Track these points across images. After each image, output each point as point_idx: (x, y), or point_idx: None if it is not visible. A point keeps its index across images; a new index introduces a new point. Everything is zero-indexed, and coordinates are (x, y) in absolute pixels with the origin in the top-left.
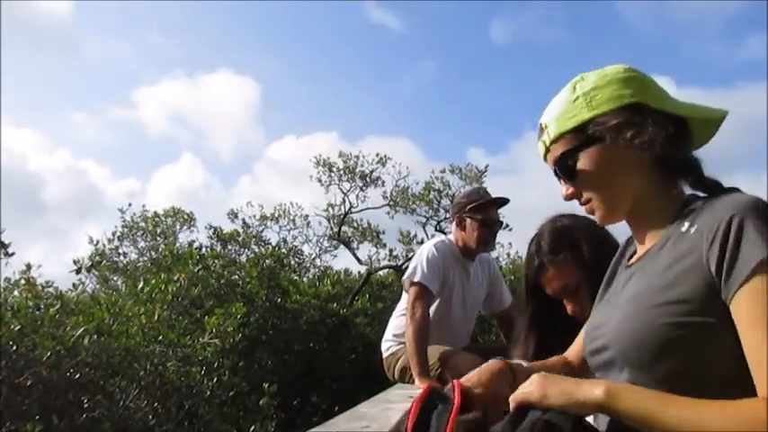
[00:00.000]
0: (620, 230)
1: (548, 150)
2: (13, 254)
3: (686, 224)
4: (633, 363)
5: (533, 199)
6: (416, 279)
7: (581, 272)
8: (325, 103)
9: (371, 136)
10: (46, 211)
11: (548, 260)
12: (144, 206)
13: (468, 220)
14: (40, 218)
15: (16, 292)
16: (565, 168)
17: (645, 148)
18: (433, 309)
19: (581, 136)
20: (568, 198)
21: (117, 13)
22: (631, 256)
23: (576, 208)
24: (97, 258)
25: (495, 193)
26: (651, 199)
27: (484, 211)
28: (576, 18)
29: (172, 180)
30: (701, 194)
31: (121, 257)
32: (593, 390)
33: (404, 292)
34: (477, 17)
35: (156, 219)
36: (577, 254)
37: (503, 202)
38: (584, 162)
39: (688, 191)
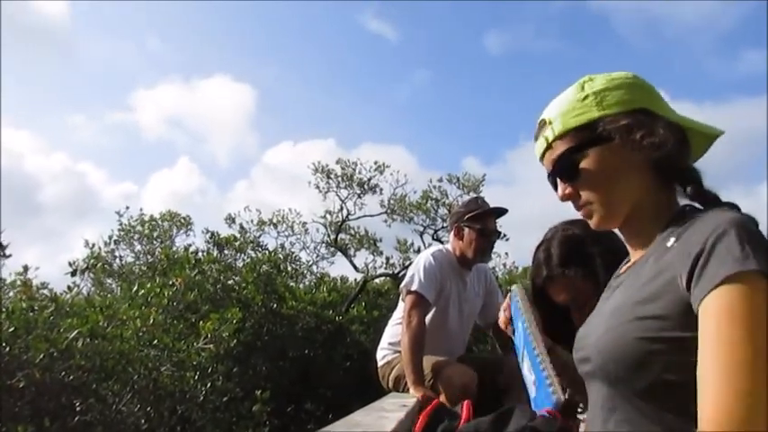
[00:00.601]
0: None
1: (549, 147)
2: (10, 255)
3: (672, 238)
4: (610, 376)
5: (529, 209)
6: (413, 288)
7: (591, 288)
8: (321, 110)
9: (367, 143)
10: (42, 213)
11: (557, 273)
12: (141, 210)
13: (467, 230)
14: (36, 219)
15: (12, 293)
16: (567, 166)
17: (654, 149)
18: (429, 318)
19: (589, 134)
20: (565, 198)
21: (114, 18)
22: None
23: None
24: (93, 261)
25: (491, 203)
26: (647, 207)
27: (482, 221)
28: (570, 30)
29: (168, 184)
30: (697, 206)
31: (117, 260)
32: None
33: (400, 301)
34: (471, 28)
35: (153, 222)
36: (589, 269)
37: (501, 212)
38: (589, 161)
39: (683, 201)
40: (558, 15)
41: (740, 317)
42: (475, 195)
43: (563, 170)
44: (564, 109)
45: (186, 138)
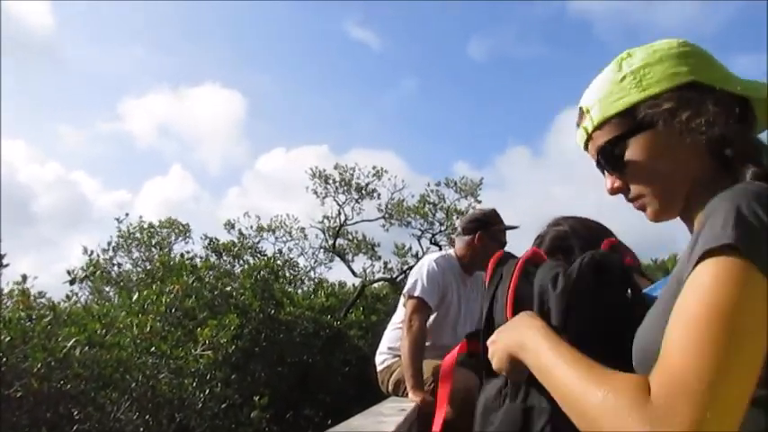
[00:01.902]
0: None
1: (589, 138)
2: (7, 265)
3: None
4: None
5: (522, 212)
6: (416, 293)
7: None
8: (312, 117)
9: (358, 149)
10: (35, 222)
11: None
12: (141, 217)
13: (489, 241)
14: (30, 229)
15: (10, 303)
16: (610, 158)
17: (703, 131)
18: (430, 323)
19: (629, 121)
20: (614, 192)
21: (99, 29)
22: None
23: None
24: (91, 269)
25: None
26: (704, 193)
27: (504, 236)
28: (552, 35)
29: (162, 191)
30: None
31: (116, 268)
32: (516, 344)
33: (399, 306)
34: (454, 35)
35: (152, 229)
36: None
37: (514, 228)
38: (633, 151)
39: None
40: (539, 21)
41: (700, 298)
42: (492, 208)
43: (607, 163)
44: (601, 94)
45: (178, 146)
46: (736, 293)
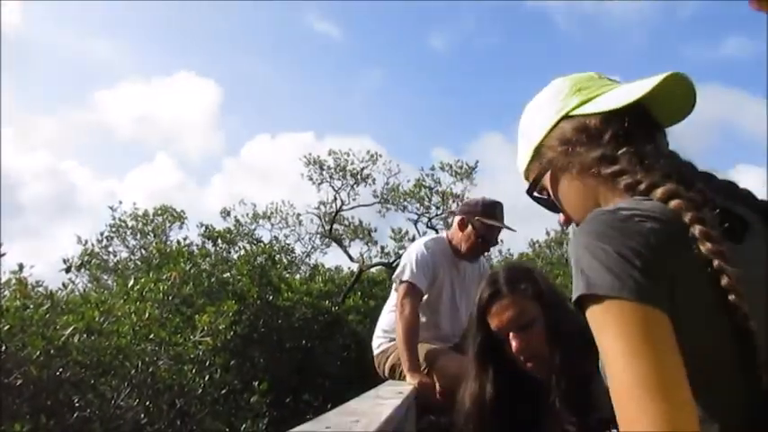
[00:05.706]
0: None
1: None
2: (5, 254)
3: None
4: None
5: (515, 198)
6: (405, 278)
7: (537, 309)
8: (289, 104)
9: (334, 136)
10: (22, 212)
11: (506, 289)
12: (135, 204)
13: (470, 228)
14: (17, 219)
15: (7, 292)
16: (541, 202)
17: (580, 158)
18: (422, 305)
19: (539, 164)
20: (566, 224)
21: (67, 23)
22: None
23: None
24: (87, 257)
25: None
26: None
27: (488, 230)
28: (509, 26)
29: (147, 180)
30: None
31: (111, 256)
32: None
33: (393, 290)
34: (415, 27)
35: (146, 217)
36: (536, 290)
37: (510, 230)
38: (551, 189)
39: None
40: (494, 13)
41: (607, 342)
42: (495, 201)
43: (541, 206)
44: (519, 150)
45: (160, 135)
46: (623, 327)
